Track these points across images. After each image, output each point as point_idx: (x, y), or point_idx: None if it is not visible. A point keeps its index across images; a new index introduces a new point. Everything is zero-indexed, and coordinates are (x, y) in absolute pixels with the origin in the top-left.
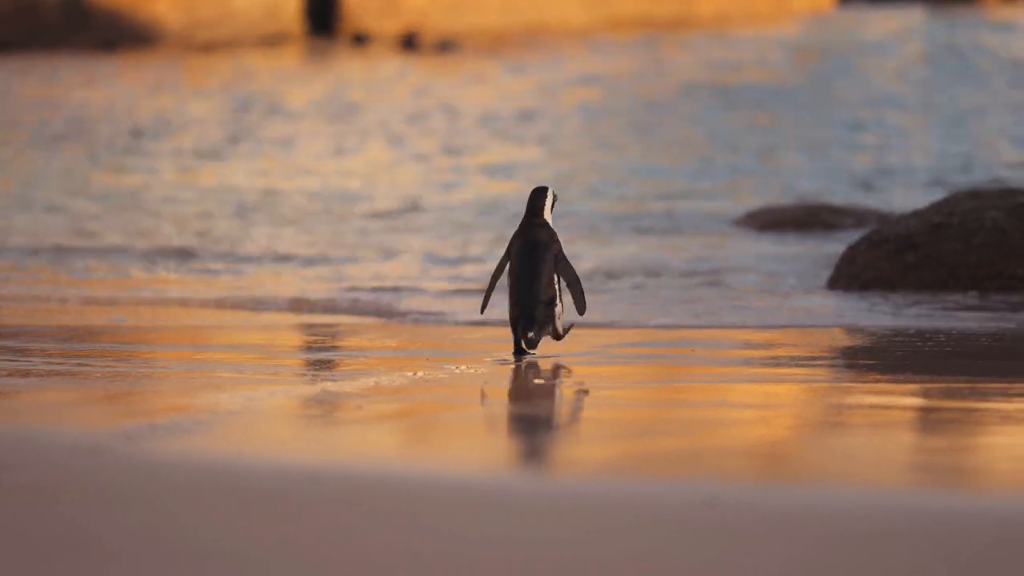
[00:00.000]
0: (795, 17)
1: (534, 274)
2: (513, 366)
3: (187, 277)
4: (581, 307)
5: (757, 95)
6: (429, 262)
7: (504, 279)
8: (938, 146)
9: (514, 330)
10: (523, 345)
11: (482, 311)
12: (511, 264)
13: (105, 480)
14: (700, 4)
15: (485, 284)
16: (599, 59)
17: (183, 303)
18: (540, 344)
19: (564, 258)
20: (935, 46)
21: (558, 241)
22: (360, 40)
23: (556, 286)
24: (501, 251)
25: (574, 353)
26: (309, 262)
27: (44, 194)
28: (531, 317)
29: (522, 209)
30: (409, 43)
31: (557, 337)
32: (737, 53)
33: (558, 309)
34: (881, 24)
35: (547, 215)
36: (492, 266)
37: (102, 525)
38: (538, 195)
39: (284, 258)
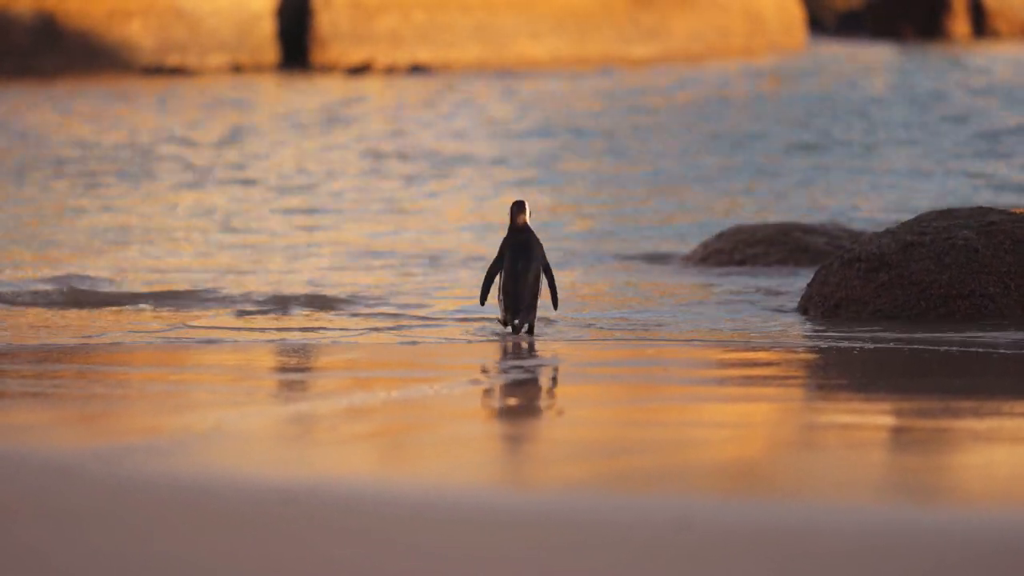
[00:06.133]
0: (769, 54)
1: (526, 271)
2: (486, 386)
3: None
4: (556, 303)
5: (735, 128)
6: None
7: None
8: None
9: (505, 312)
10: (518, 329)
11: (482, 303)
12: (506, 262)
13: (73, 500)
14: (673, 36)
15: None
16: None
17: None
18: (511, 369)
19: (547, 261)
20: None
21: (542, 246)
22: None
23: (540, 283)
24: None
25: (548, 371)
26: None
27: None
28: (525, 305)
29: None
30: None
31: (531, 329)
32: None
33: (538, 302)
34: (854, 61)
35: (528, 222)
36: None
37: (64, 545)
38: (518, 206)
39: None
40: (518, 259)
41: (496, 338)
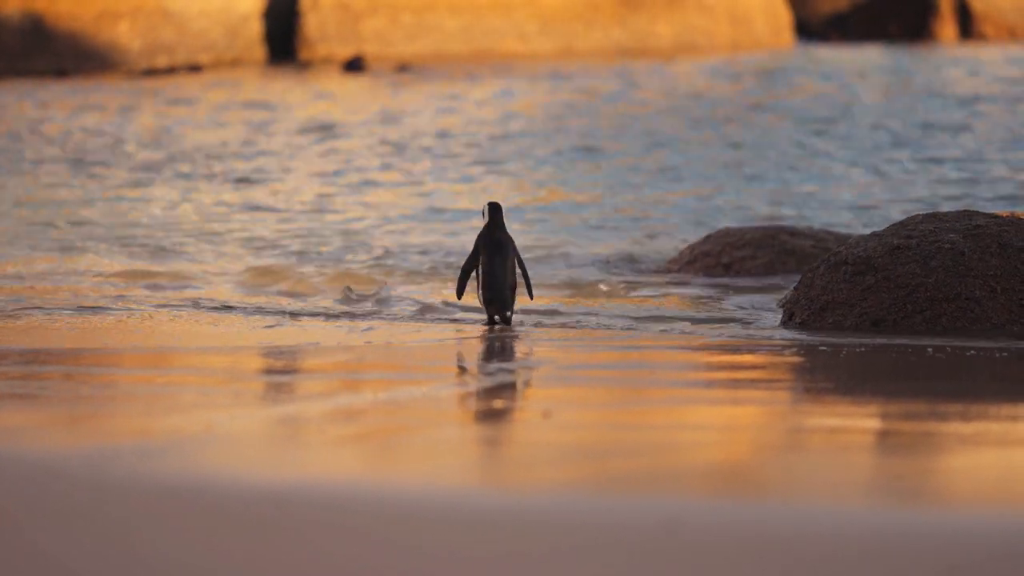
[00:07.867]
0: (755, 55)
1: (504, 267)
2: (474, 388)
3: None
4: (531, 292)
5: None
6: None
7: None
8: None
9: (487, 308)
10: (499, 321)
11: (459, 297)
12: (483, 260)
13: (63, 502)
14: (660, 37)
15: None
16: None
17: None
18: (500, 375)
19: (519, 254)
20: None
21: (514, 242)
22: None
23: (516, 276)
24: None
25: (535, 374)
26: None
27: None
28: (505, 300)
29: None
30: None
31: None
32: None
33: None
34: (839, 62)
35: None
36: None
37: (58, 547)
38: (495, 208)
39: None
40: (495, 255)
41: (483, 339)
